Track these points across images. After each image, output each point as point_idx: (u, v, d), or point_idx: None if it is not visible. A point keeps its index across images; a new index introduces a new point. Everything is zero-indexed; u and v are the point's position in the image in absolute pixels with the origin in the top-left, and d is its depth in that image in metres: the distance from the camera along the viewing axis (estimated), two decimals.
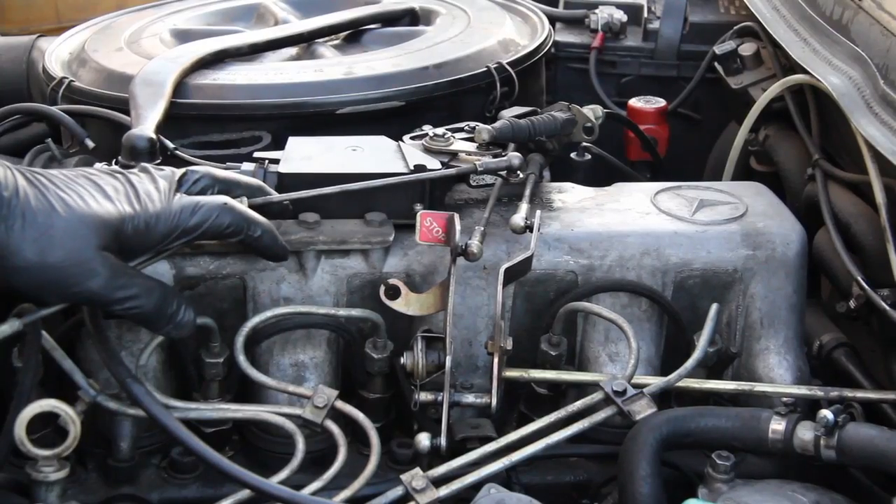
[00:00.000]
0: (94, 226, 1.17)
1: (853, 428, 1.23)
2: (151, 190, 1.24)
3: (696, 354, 1.40)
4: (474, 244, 1.38)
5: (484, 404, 1.37)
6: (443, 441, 1.31)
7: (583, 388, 1.42)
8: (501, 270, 1.36)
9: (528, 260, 1.40)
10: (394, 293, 1.39)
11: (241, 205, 1.30)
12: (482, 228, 1.41)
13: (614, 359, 1.48)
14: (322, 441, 1.38)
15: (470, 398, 1.38)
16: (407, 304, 1.39)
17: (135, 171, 1.28)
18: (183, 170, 1.31)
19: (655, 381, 1.37)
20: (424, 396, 1.36)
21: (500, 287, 1.35)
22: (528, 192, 1.50)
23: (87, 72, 1.85)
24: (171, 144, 1.59)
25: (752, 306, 1.51)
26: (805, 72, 1.69)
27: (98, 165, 1.36)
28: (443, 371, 1.35)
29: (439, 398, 1.35)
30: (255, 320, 1.41)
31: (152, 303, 1.22)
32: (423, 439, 1.30)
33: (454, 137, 1.54)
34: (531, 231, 1.43)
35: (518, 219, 1.43)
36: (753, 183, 1.67)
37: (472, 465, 1.26)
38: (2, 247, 1.12)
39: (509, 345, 1.36)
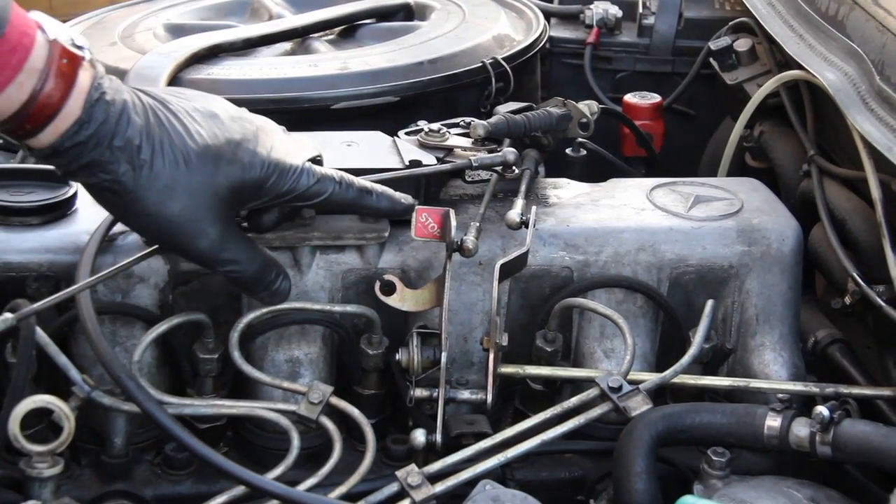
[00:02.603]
0: (212, 184, 1.19)
1: (848, 424, 1.23)
2: (281, 146, 1.27)
3: (692, 351, 1.39)
4: (470, 240, 1.38)
5: (479, 400, 1.37)
6: (438, 437, 1.30)
7: (578, 385, 1.42)
8: (497, 266, 1.36)
9: (524, 256, 1.40)
10: (389, 289, 1.38)
11: (357, 178, 1.33)
12: (478, 224, 1.41)
13: (610, 355, 1.48)
14: (317, 437, 1.37)
15: (465, 394, 1.38)
16: (402, 300, 1.39)
17: (280, 130, 1.30)
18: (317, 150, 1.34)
19: (651, 378, 1.37)
20: (420, 393, 1.36)
21: (495, 283, 1.35)
22: (523, 187, 1.50)
23: None
24: None
25: (747, 302, 1.51)
26: (800, 68, 1.69)
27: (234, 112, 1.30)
28: (438, 367, 1.34)
29: (434, 394, 1.35)
30: (249, 316, 1.40)
31: (254, 269, 1.27)
32: (419, 435, 1.30)
33: (449, 133, 1.54)
34: (527, 227, 1.42)
35: (513, 214, 1.43)
36: (749, 179, 1.67)
37: (468, 461, 1.26)
38: (129, 190, 1.16)
39: (505, 341, 1.36)
